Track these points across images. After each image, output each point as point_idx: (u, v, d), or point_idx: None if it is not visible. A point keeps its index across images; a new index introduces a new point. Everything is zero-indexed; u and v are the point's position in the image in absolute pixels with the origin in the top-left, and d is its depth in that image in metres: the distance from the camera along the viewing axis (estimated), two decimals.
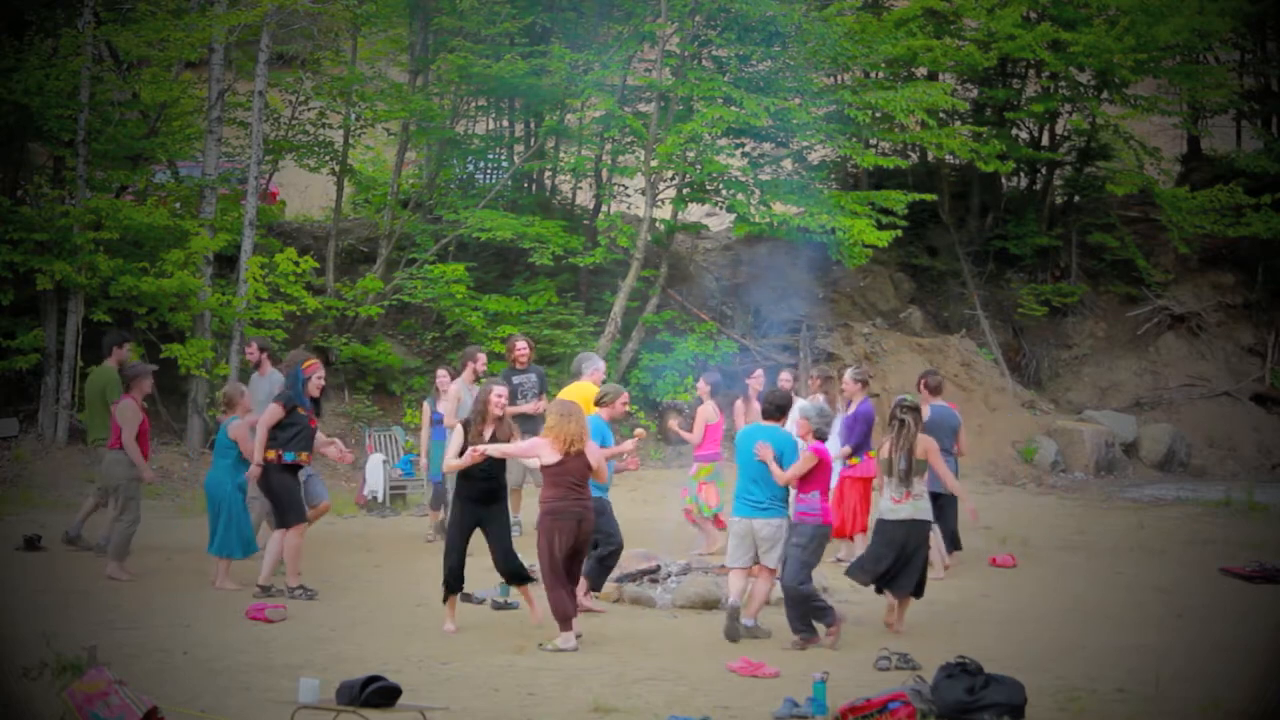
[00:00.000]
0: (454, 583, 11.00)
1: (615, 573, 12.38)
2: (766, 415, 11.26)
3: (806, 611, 10.83)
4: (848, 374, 14.55)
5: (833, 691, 8.70)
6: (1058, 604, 12.51)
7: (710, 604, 12.01)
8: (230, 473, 12.52)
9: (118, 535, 12.84)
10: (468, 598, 11.94)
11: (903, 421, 11.26)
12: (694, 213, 23.96)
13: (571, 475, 10.55)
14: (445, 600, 11.07)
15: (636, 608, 12.09)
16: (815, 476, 10.91)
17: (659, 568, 12.81)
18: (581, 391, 13.90)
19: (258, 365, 14.36)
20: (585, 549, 10.84)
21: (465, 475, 10.95)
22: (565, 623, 10.50)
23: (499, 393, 11.02)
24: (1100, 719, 8.80)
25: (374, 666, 9.34)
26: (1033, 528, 16.87)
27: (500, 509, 11.10)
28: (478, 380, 14.62)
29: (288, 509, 12.06)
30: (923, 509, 11.25)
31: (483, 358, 15.17)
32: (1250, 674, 9.80)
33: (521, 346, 15.33)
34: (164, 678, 9.14)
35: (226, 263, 20.35)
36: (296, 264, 19.80)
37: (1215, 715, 8.73)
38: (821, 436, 11.14)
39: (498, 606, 11.89)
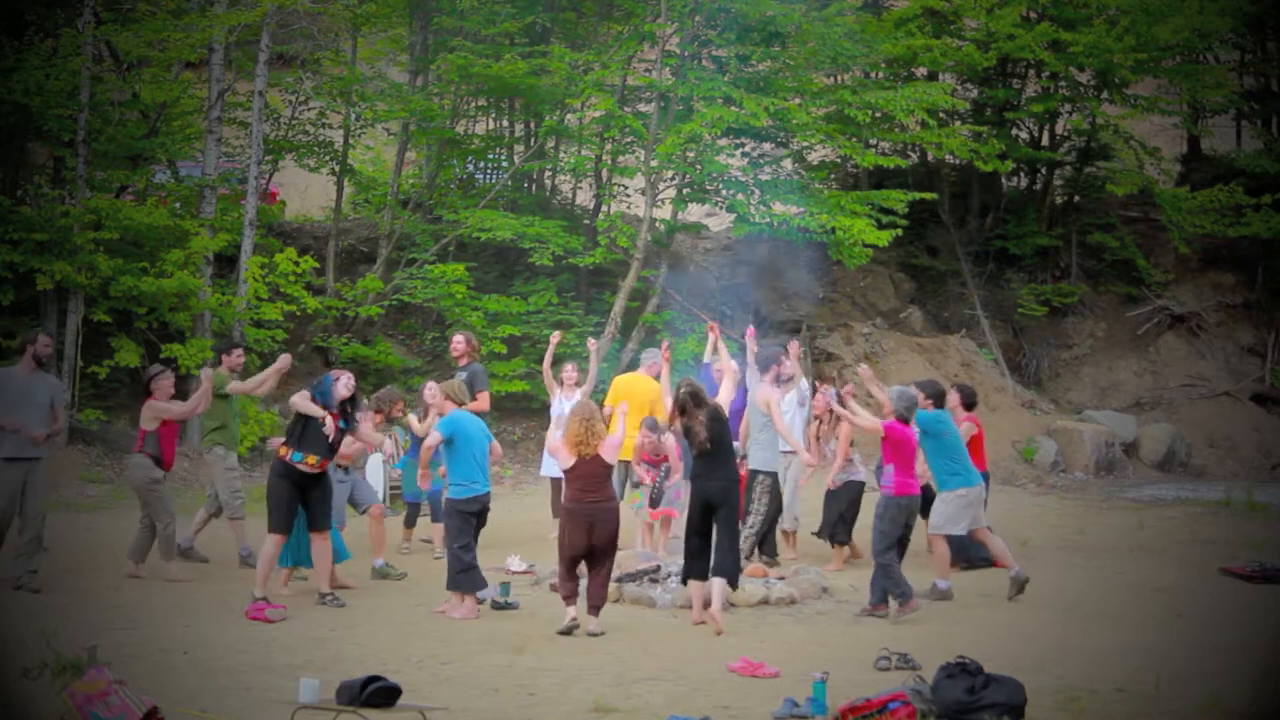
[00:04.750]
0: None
1: (615, 572, 12.35)
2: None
3: (882, 582, 11.61)
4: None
5: (833, 691, 8.70)
6: (1058, 604, 12.51)
7: (710, 604, 12.00)
8: None
9: (162, 538, 12.66)
10: None
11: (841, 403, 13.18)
12: (694, 213, 23.96)
13: (584, 478, 10.91)
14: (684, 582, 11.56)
15: (636, 608, 12.09)
16: (892, 452, 11.78)
17: (659, 568, 12.80)
18: (632, 384, 14.50)
19: (39, 364, 12.31)
20: (607, 547, 11.03)
21: None
22: (568, 600, 10.97)
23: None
24: (1100, 719, 8.80)
25: (374, 666, 9.34)
26: (1033, 528, 16.87)
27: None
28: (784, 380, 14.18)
29: (273, 512, 11.72)
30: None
31: (787, 361, 14.41)
32: (1250, 674, 9.79)
33: (456, 341, 15.09)
34: (164, 678, 9.14)
35: (226, 263, 20.35)
36: (296, 264, 19.79)
37: (1215, 715, 8.73)
38: (902, 418, 11.90)
39: (498, 606, 11.89)
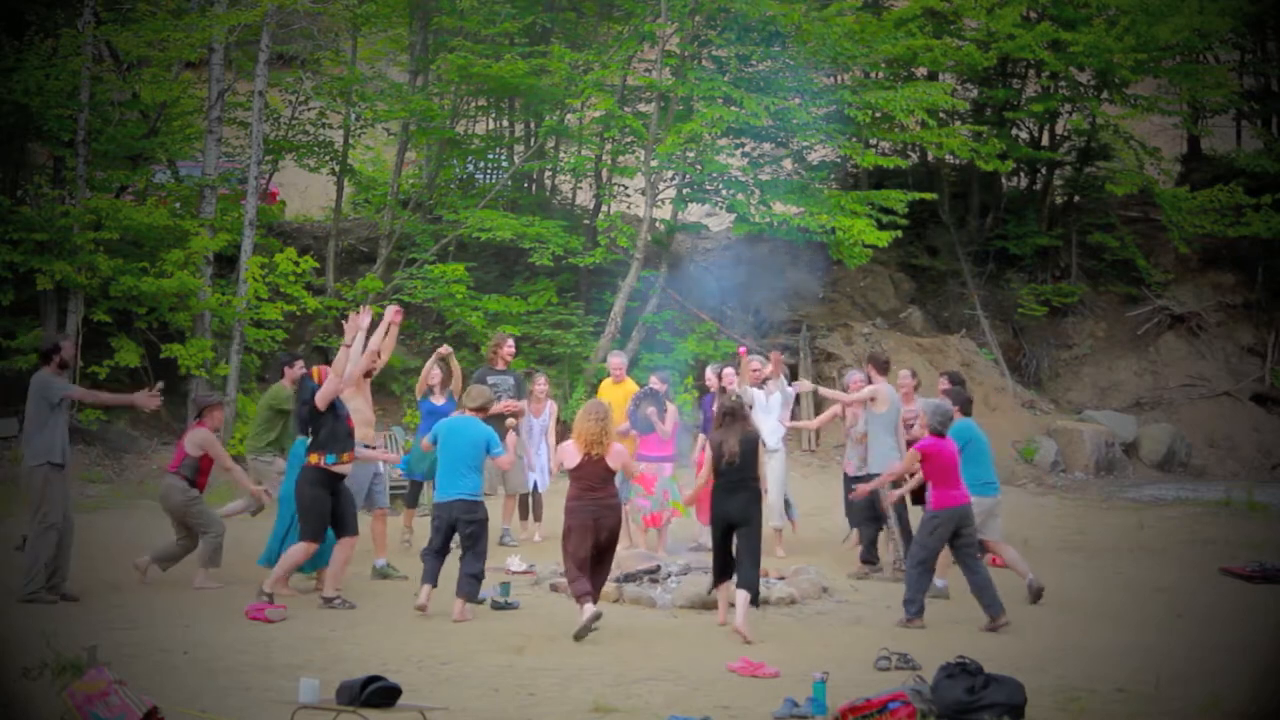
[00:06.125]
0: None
1: (615, 572, 12.40)
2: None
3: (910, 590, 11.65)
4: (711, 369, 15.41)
5: (833, 691, 8.71)
6: (1058, 604, 12.51)
7: (710, 604, 12.01)
8: None
9: (210, 545, 12.51)
10: None
11: None
12: (694, 213, 23.95)
13: (588, 476, 10.95)
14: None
15: (636, 608, 12.09)
16: (930, 468, 11.63)
17: (659, 568, 12.82)
18: (623, 390, 14.65)
19: (65, 369, 12.19)
20: (610, 546, 11.05)
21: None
22: (582, 598, 10.82)
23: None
24: (1100, 719, 8.80)
25: (374, 666, 9.34)
26: (1033, 528, 16.86)
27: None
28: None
29: (307, 521, 11.61)
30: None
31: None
32: (1250, 674, 9.80)
33: (511, 346, 15.42)
34: (164, 678, 9.13)
35: (226, 263, 20.35)
36: (296, 264, 19.80)
37: (1215, 715, 8.74)
38: (936, 432, 11.77)
39: (497, 606, 11.89)
